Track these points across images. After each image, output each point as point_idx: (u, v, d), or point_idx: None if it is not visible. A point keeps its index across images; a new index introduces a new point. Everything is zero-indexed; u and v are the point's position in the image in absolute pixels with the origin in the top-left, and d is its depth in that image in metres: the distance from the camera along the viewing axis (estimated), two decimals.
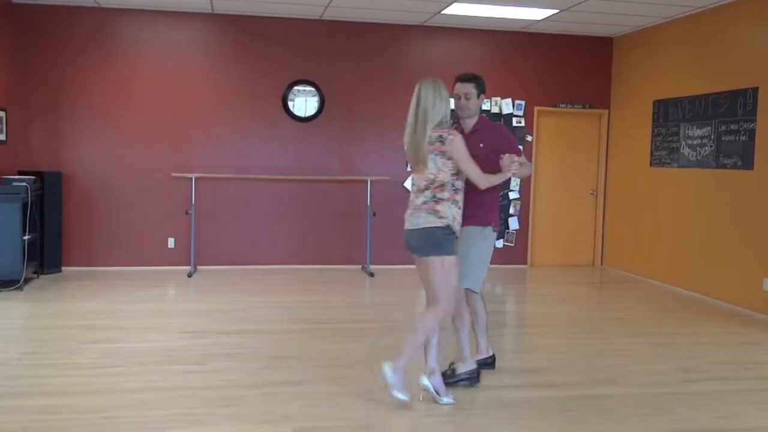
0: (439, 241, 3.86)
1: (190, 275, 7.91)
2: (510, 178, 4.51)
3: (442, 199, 3.88)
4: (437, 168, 3.88)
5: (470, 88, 4.27)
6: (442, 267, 3.88)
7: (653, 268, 8.22)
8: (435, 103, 3.89)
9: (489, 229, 4.30)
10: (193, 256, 8.19)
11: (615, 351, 5.28)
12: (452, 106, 4.16)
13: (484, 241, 4.30)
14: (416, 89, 3.95)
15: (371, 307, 6.75)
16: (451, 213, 3.89)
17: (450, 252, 3.90)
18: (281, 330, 5.61)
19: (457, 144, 3.88)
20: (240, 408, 3.86)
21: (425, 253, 3.92)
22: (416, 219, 3.90)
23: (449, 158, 3.88)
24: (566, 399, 4.17)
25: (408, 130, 3.96)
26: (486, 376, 4.53)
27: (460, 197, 3.96)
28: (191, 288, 7.33)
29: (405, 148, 4.00)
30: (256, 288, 7.35)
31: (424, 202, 3.89)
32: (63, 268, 7.92)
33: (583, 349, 5.34)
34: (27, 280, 7.07)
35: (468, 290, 4.33)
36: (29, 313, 6.10)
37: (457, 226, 3.93)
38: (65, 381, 4.25)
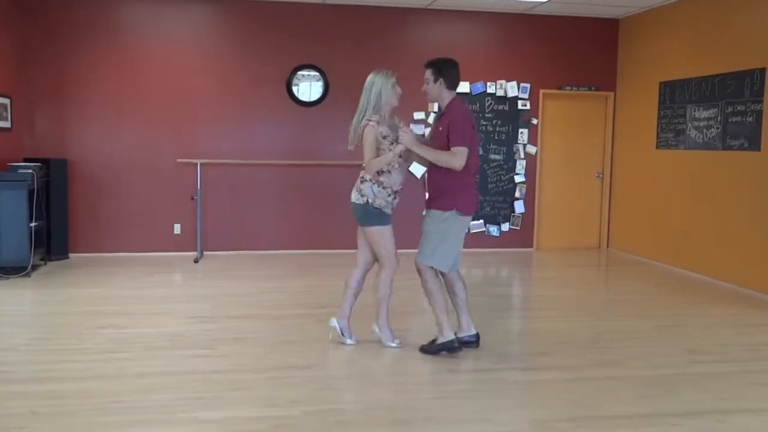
0: (366, 215, 4.51)
1: (196, 261, 7.94)
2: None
3: (365, 180, 4.51)
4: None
5: (427, 74, 4.54)
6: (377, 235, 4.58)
7: (659, 251, 8.20)
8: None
9: (450, 213, 4.46)
10: (200, 241, 8.21)
11: (621, 333, 5.29)
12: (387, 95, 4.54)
13: (447, 224, 4.48)
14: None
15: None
16: (372, 192, 4.49)
17: (372, 224, 4.54)
18: (288, 314, 5.63)
19: (363, 133, 4.50)
20: (248, 392, 3.89)
21: (362, 224, 4.63)
22: (352, 194, 4.60)
23: None
24: (573, 381, 4.17)
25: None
26: (493, 358, 4.55)
27: (384, 178, 4.49)
28: (198, 273, 7.35)
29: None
30: (263, 273, 7.37)
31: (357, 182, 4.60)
32: (70, 255, 7.95)
33: (590, 331, 5.34)
34: (34, 267, 7.10)
35: (439, 270, 4.56)
36: (37, 300, 6.13)
37: (380, 202, 4.49)
38: (73, 366, 4.28)
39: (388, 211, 4.56)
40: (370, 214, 4.52)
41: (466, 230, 4.65)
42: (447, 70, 4.48)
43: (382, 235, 4.56)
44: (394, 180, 4.54)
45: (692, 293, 6.73)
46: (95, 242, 8.17)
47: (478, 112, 8.83)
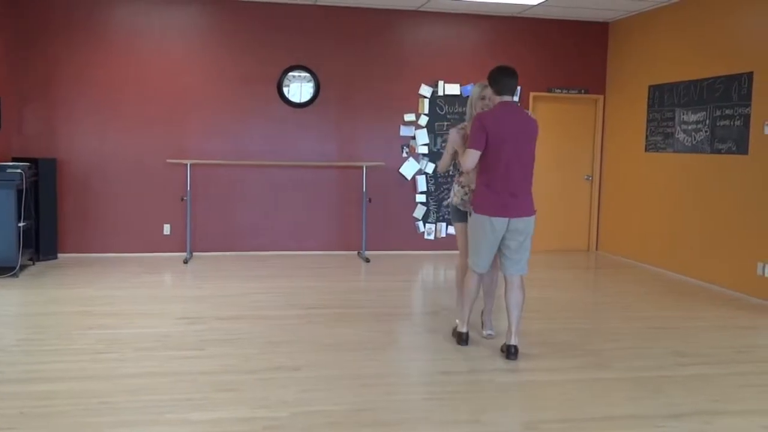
0: (449, 212, 5.14)
1: (186, 261, 7.91)
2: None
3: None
4: None
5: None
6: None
7: (648, 253, 8.25)
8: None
9: (471, 211, 4.69)
10: (189, 242, 8.18)
11: (610, 335, 5.31)
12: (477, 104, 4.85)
13: (470, 221, 4.74)
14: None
15: (367, 292, 6.77)
16: (453, 191, 4.99)
17: (453, 221, 5.09)
18: (278, 315, 5.63)
19: (449, 135, 4.92)
20: (237, 393, 3.88)
21: None
22: None
23: None
24: (562, 383, 4.19)
25: None
26: (483, 359, 4.57)
27: (463, 178, 4.89)
28: (187, 274, 7.33)
29: None
30: (252, 274, 7.36)
31: None
32: (59, 255, 7.92)
33: (578, 333, 5.36)
34: (23, 267, 7.07)
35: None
36: (25, 300, 6.09)
37: (456, 200, 4.93)
38: (62, 367, 4.26)
39: (464, 208, 4.89)
40: (450, 211, 5.13)
41: (487, 229, 4.53)
42: (492, 77, 4.57)
43: (456, 230, 5.05)
44: (472, 179, 4.78)
45: (680, 295, 6.77)
46: (84, 242, 8.13)
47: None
